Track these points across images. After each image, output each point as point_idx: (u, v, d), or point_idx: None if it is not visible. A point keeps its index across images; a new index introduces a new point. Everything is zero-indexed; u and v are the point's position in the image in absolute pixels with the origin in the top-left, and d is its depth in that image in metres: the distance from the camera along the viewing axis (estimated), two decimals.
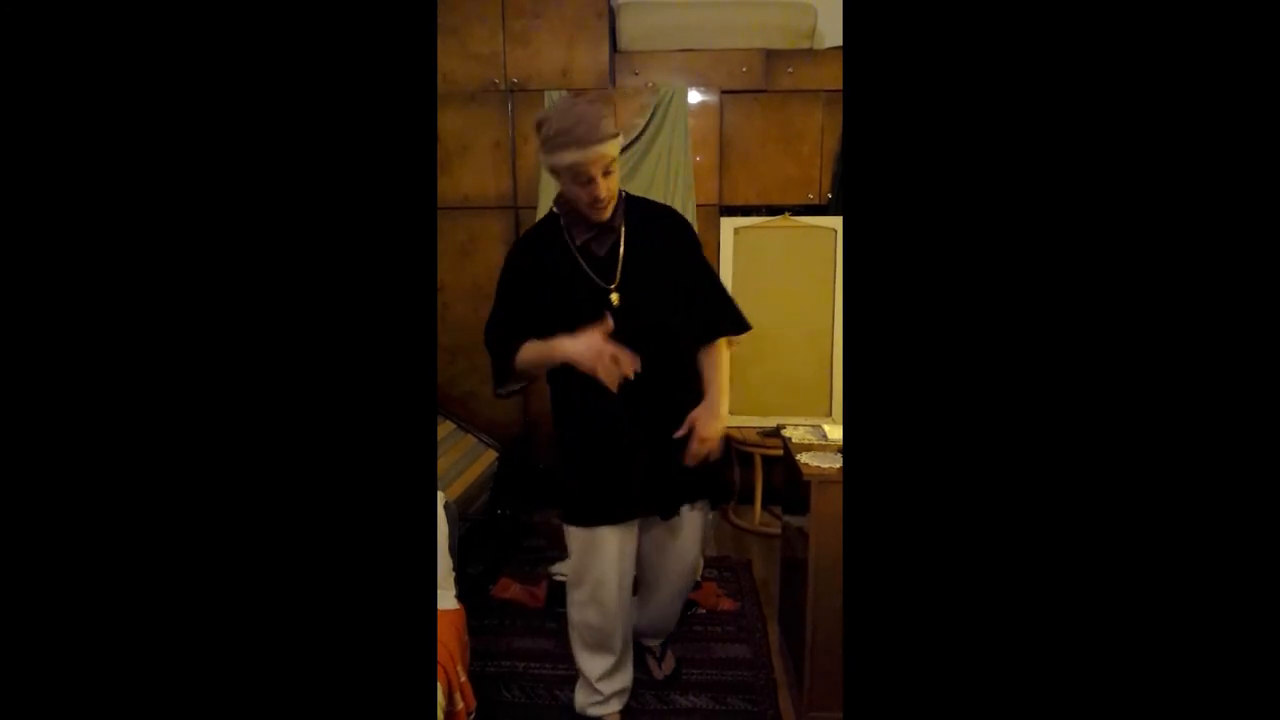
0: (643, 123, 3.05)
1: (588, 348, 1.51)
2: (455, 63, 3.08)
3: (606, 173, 1.56)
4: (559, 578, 2.58)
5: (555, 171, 1.58)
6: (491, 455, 3.06)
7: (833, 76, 3.07)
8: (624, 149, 3.03)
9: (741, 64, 3.08)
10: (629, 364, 1.49)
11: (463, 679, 1.71)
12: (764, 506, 3.17)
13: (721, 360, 1.74)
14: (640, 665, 2.08)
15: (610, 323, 1.53)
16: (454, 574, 1.88)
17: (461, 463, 2.87)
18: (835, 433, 2.11)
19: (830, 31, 3.27)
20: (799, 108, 3.09)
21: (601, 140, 1.52)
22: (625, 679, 1.91)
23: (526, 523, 3.19)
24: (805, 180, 3.14)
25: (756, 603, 2.57)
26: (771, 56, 3.08)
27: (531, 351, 1.64)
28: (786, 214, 3.12)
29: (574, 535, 1.76)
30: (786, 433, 2.16)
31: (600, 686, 1.88)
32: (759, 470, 3.12)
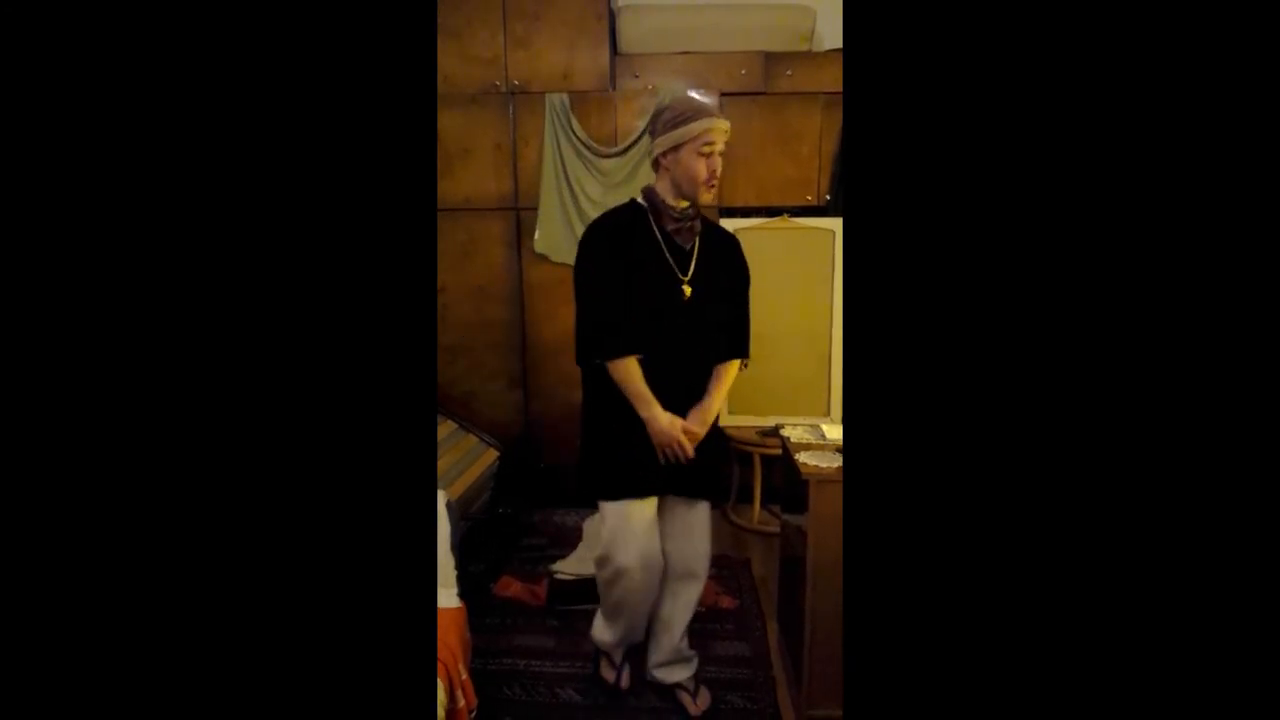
0: (643, 125, 3.06)
1: (668, 430, 1.74)
2: (456, 65, 3.10)
3: (721, 151, 1.70)
4: (560, 576, 2.60)
5: (676, 148, 1.69)
6: (492, 455, 3.08)
7: (831, 79, 3.08)
8: (624, 150, 3.06)
9: (741, 66, 3.10)
10: (687, 451, 1.75)
11: (464, 676, 1.72)
12: (763, 505, 3.18)
13: (727, 375, 1.87)
14: (672, 702, 2.04)
15: (684, 296, 1.74)
16: (456, 572, 1.90)
17: (462, 462, 2.89)
18: (833, 432, 2.12)
19: (829, 34, 3.28)
20: (798, 110, 3.10)
21: (722, 117, 1.69)
22: (635, 635, 2.02)
23: (527, 521, 3.20)
24: (804, 182, 3.16)
25: (755, 601, 2.58)
26: (770, 59, 3.10)
27: (630, 381, 1.74)
28: (785, 215, 3.14)
29: (608, 513, 1.85)
30: (785, 432, 2.17)
31: (614, 633, 2.00)
32: (758, 469, 3.14)
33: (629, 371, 1.73)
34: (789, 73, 3.10)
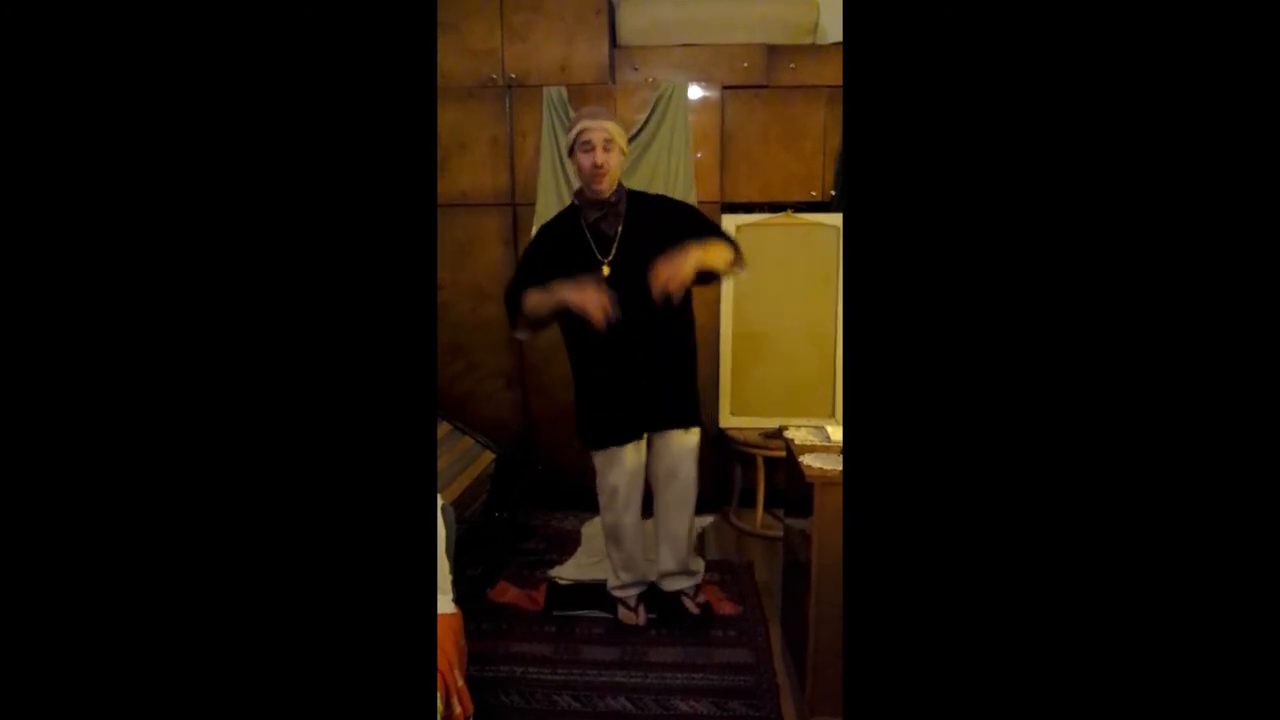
0: (643, 119, 3.02)
1: (580, 290, 1.99)
2: (454, 59, 3.06)
3: (606, 148, 2.03)
4: (559, 581, 2.56)
5: (571, 152, 2.08)
6: (489, 457, 3.04)
7: (835, 72, 3.03)
8: None
9: (743, 59, 3.05)
10: (610, 306, 1.96)
11: (460, 683, 1.68)
12: (766, 509, 3.13)
13: (707, 242, 2.04)
14: (675, 609, 2.42)
15: (603, 274, 2.04)
16: (451, 577, 1.86)
17: (458, 464, 2.85)
18: (838, 434, 2.08)
19: (833, 27, 3.24)
20: (801, 104, 3.06)
21: (605, 118, 2.04)
22: (638, 573, 2.38)
23: (525, 525, 3.15)
24: (808, 177, 3.11)
25: (758, 606, 2.54)
26: (773, 52, 3.05)
27: (536, 296, 2.08)
28: (789, 211, 3.10)
29: (595, 456, 2.29)
30: (789, 434, 2.14)
31: (621, 575, 2.38)
32: (761, 472, 3.09)
33: (532, 298, 2.10)
34: (792, 66, 3.05)
